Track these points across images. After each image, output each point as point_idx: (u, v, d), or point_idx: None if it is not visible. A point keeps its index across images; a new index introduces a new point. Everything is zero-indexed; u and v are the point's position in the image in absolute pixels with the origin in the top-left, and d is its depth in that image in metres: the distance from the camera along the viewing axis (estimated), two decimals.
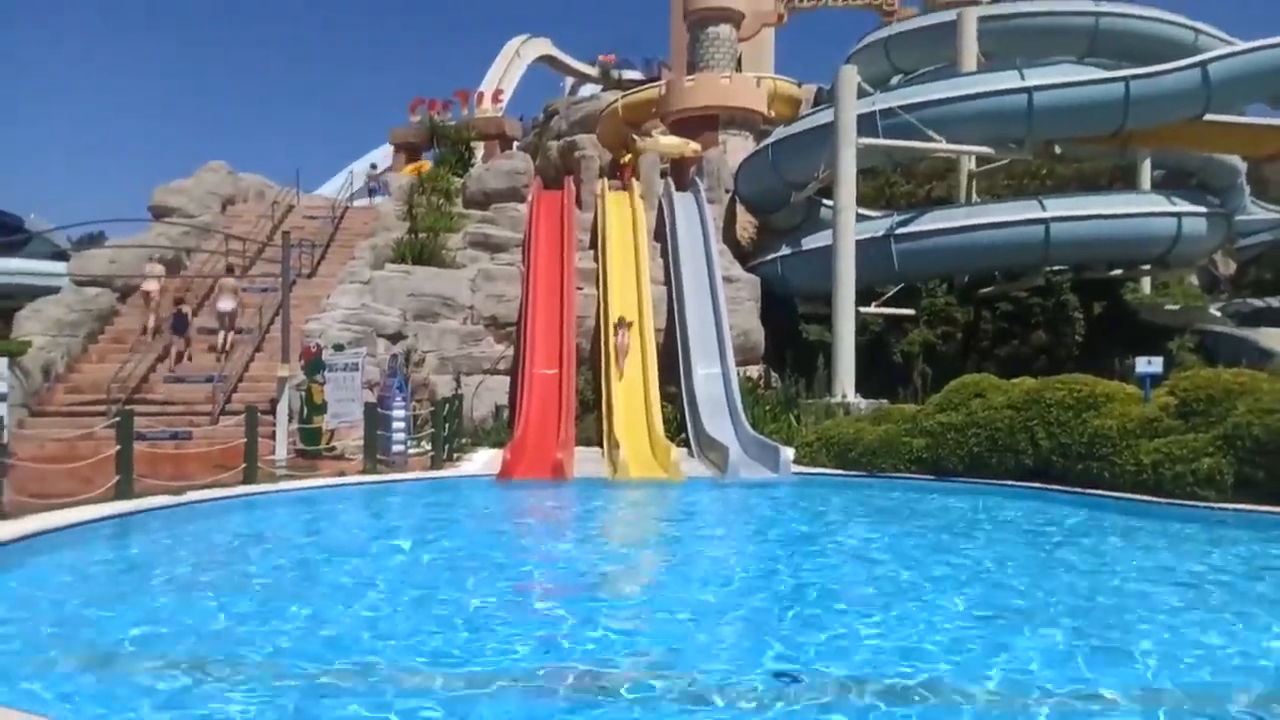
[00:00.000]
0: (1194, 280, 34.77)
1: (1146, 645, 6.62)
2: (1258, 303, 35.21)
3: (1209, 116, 24.78)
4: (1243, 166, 32.80)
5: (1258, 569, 9.46)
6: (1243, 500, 12.41)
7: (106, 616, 7.44)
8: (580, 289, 24.17)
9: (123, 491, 12.17)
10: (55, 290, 22.10)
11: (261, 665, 6.15)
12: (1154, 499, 12.94)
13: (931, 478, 15.74)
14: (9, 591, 8.25)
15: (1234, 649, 6.56)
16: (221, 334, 20.34)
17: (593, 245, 26.36)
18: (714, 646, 6.76)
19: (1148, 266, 28.61)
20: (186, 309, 20.28)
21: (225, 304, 20.49)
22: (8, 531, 9.69)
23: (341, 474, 15.81)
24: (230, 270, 22.02)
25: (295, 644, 6.69)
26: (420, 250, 24.92)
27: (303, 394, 17.23)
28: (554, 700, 5.52)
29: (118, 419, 13.02)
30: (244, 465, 14.29)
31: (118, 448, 12.43)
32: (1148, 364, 15.01)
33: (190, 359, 19.80)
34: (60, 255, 38.32)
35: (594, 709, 5.35)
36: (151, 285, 20.93)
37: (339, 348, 17.83)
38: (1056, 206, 25.43)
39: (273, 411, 16.78)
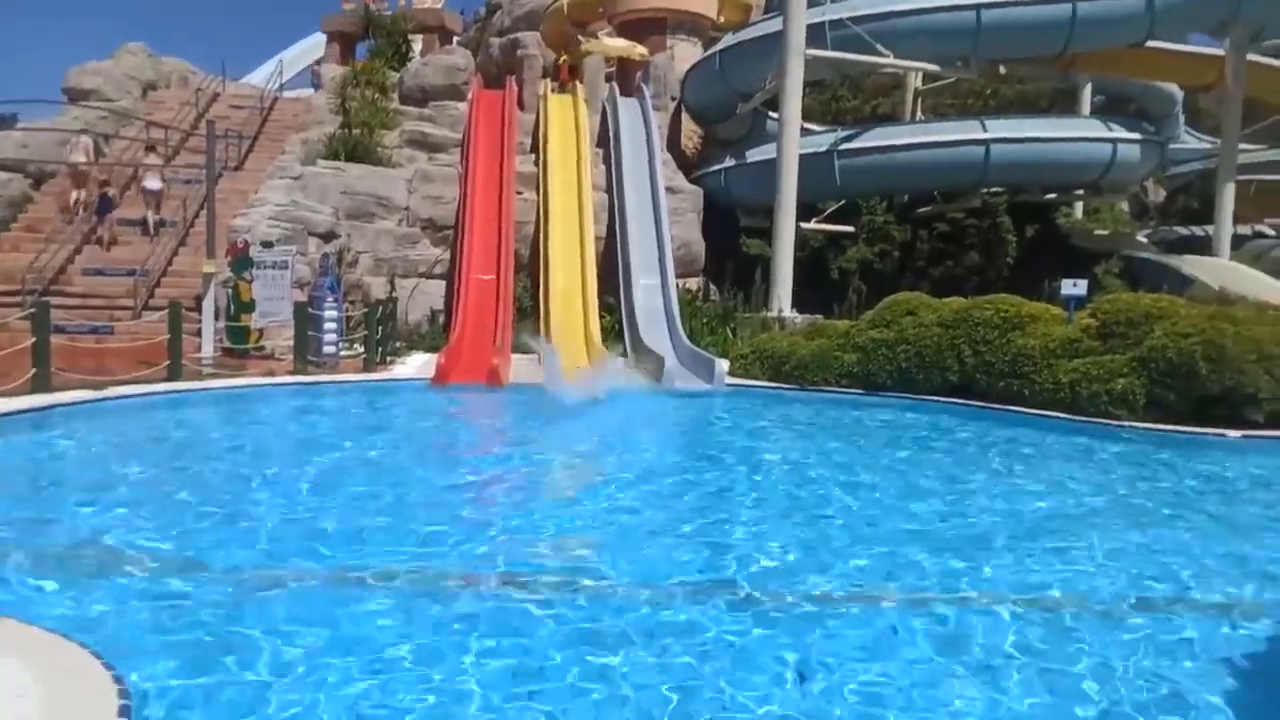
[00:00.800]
0: (1125, 207, 35.55)
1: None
2: (1183, 231, 36.17)
3: (1151, 43, 25.00)
4: (1180, 96, 33.27)
5: (1132, 480, 9.94)
6: (1152, 420, 12.98)
7: (20, 512, 7.28)
8: (520, 194, 23.71)
9: (40, 385, 11.80)
10: None
11: (178, 561, 6.11)
12: (1068, 416, 13.46)
13: (860, 392, 16.09)
14: None
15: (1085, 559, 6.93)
16: (149, 214, 19.70)
17: (534, 149, 25.79)
18: (623, 549, 6.89)
19: (1081, 191, 29.14)
20: (112, 191, 19.59)
21: (151, 183, 19.81)
22: None
23: (270, 374, 15.54)
24: (152, 148, 21.18)
25: (215, 541, 6.65)
26: (354, 147, 24.08)
27: (230, 291, 16.74)
28: (460, 599, 5.62)
29: (33, 310, 12.53)
30: (168, 362, 13.94)
31: (33, 340, 12.00)
32: (1073, 286, 15.41)
33: (115, 242, 19.12)
34: None
35: (506, 610, 5.46)
36: (79, 156, 20.12)
37: (268, 245, 17.30)
38: (997, 128, 25.59)
39: (198, 308, 16.31)
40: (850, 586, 6.06)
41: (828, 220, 27.86)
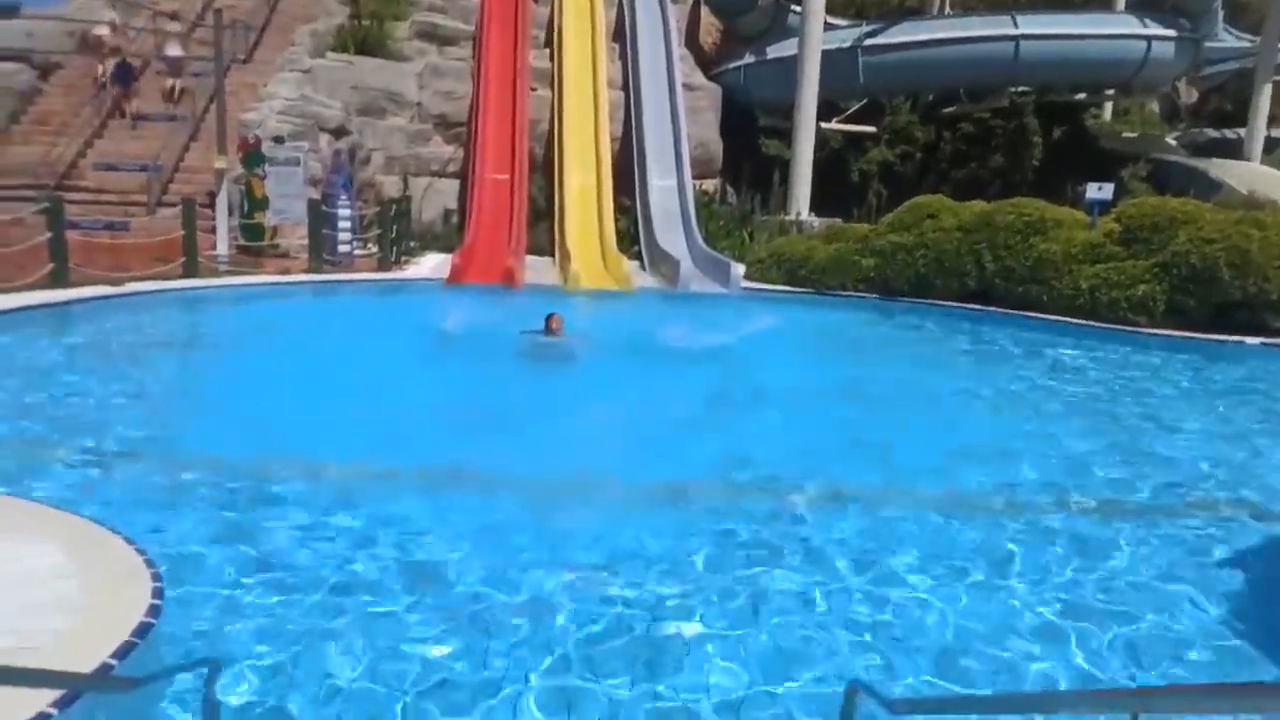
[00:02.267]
0: (1155, 108, 34.50)
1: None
2: (1214, 133, 35.14)
3: None
4: None
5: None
6: (1169, 327, 12.88)
7: (46, 402, 7.41)
8: (534, 89, 23.16)
9: (57, 280, 11.84)
10: None
11: (196, 454, 6.24)
12: (1086, 322, 13.37)
13: (877, 297, 16.00)
14: None
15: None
16: (170, 81, 19.80)
17: (548, 43, 25.06)
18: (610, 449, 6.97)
19: (1111, 92, 28.24)
20: (134, 62, 19.63)
21: (173, 49, 19.87)
22: None
23: (286, 271, 15.54)
24: (174, 16, 21.37)
25: (237, 432, 6.77)
26: (364, 39, 23.42)
27: (242, 188, 16.58)
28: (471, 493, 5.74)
29: (47, 205, 12.48)
30: (184, 259, 13.94)
31: (49, 235, 11.99)
32: (1098, 190, 15.10)
33: (139, 115, 19.23)
34: None
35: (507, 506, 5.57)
36: (104, 30, 20.14)
37: (279, 140, 17.04)
38: (1028, 24, 24.65)
39: (211, 205, 16.19)
40: None
41: (849, 120, 27.20)
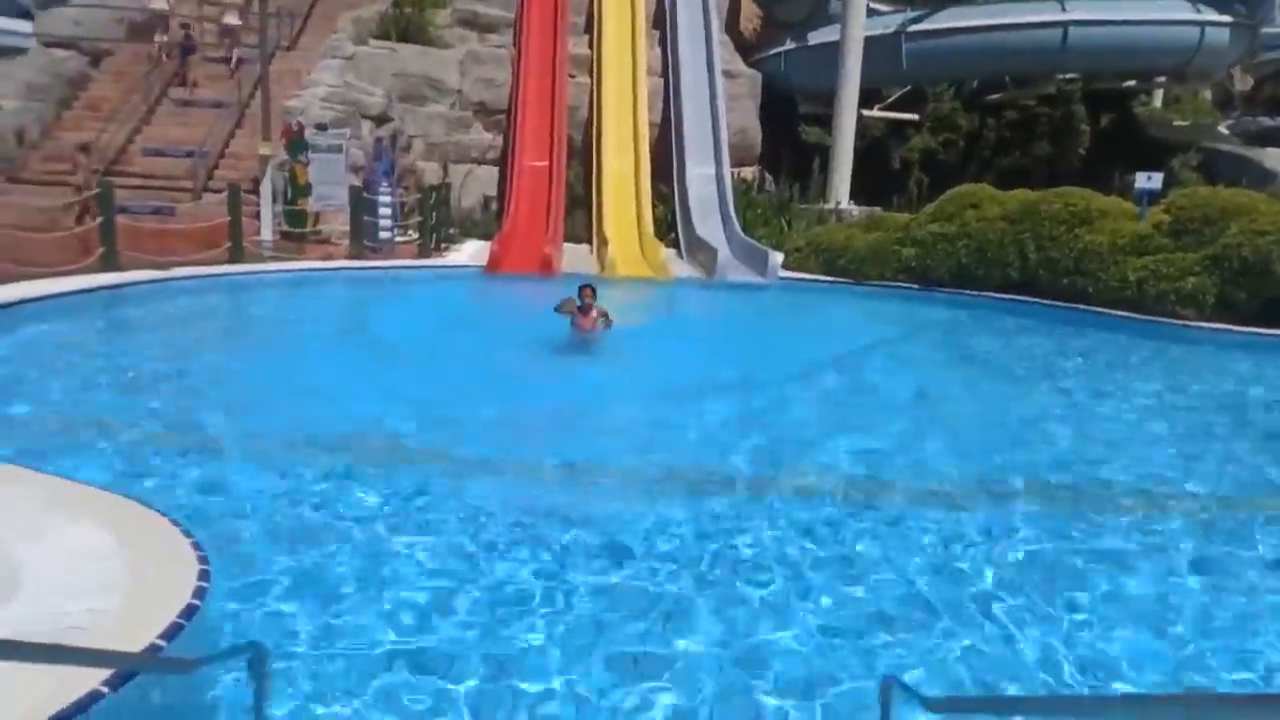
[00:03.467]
0: (1207, 96, 33.61)
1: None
2: (1268, 121, 34.18)
3: None
4: None
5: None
6: (1219, 320, 12.59)
7: (98, 384, 7.58)
8: (573, 76, 23.16)
9: (108, 264, 12.09)
10: (22, 51, 20.96)
11: (251, 436, 6.34)
12: (1132, 315, 13.10)
13: (916, 288, 15.81)
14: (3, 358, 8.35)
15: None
16: (226, 50, 20.38)
17: (587, 30, 25.02)
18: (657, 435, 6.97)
19: (1163, 79, 27.56)
20: (194, 34, 20.21)
21: (230, 18, 20.46)
22: None
23: (328, 258, 15.73)
24: None
25: (288, 416, 6.88)
26: (406, 26, 23.57)
27: (286, 174, 16.79)
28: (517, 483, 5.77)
29: (98, 190, 12.73)
30: (229, 245, 14.15)
31: (100, 219, 12.23)
32: (1147, 180, 14.74)
33: (198, 84, 19.82)
34: (25, 14, 36.02)
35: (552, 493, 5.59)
36: (160, 3, 20.88)
37: (322, 127, 17.22)
38: (1077, 9, 24.13)
39: (256, 191, 16.42)
40: None
41: (891, 107, 26.85)
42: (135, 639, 2.83)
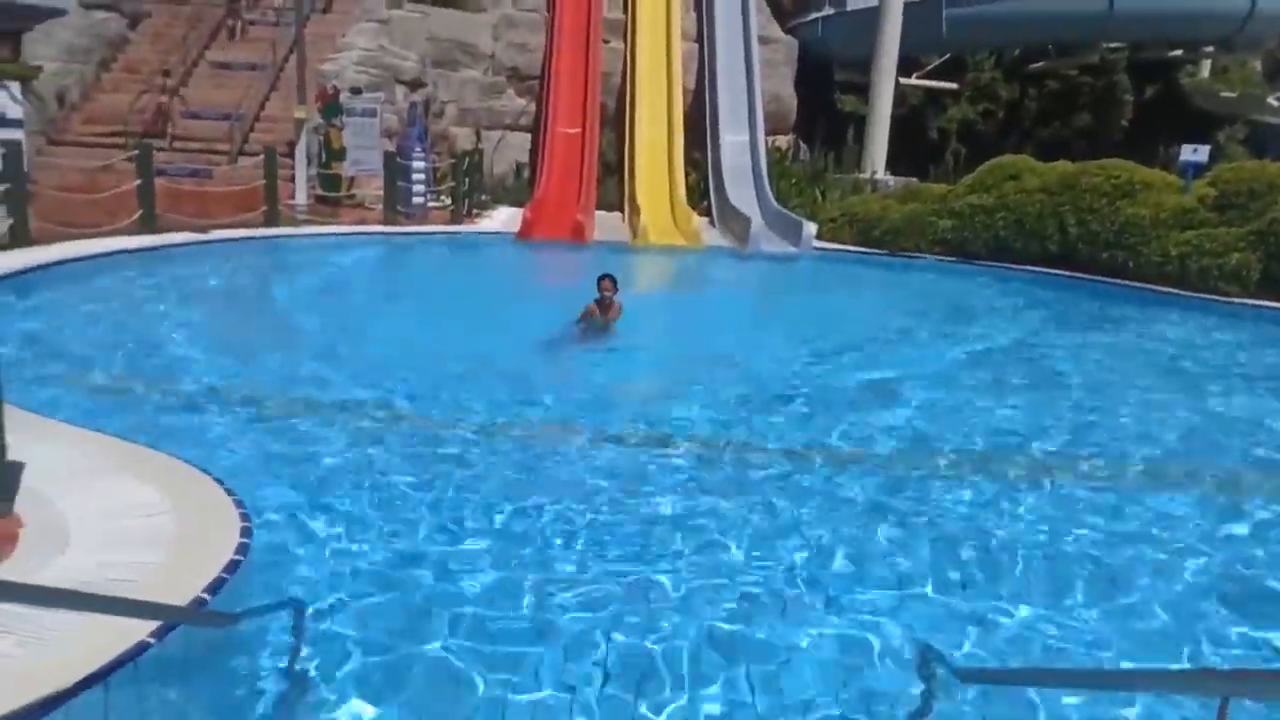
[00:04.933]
0: (1257, 66, 32.67)
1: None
2: None
3: None
4: None
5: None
6: (1265, 297, 12.33)
7: (143, 345, 7.71)
8: (607, 41, 22.95)
9: (147, 225, 12.24)
10: (62, 12, 21.11)
11: (278, 396, 6.44)
12: (1173, 290, 12.88)
13: (953, 260, 15.62)
14: (44, 318, 8.50)
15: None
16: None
17: None
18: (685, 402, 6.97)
19: (1210, 48, 26.80)
20: None
21: None
22: (40, 256, 9.86)
23: (362, 222, 15.81)
24: None
25: (307, 376, 6.97)
26: None
27: (320, 138, 16.86)
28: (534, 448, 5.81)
29: (136, 152, 12.86)
30: (265, 208, 14.27)
31: (139, 181, 12.37)
32: (1193, 152, 14.41)
33: (245, 34, 20.32)
34: None
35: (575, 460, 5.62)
36: None
37: (356, 91, 17.24)
38: None
39: (291, 154, 16.51)
40: None
41: (929, 76, 26.38)
42: (182, 592, 2.90)
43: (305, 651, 3.25)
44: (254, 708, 3.06)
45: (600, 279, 8.49)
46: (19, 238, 10.44)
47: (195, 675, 2.89)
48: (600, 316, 8.46)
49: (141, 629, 2.58)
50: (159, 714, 2.69)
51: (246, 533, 3.41)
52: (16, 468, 3.69)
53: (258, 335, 8.48)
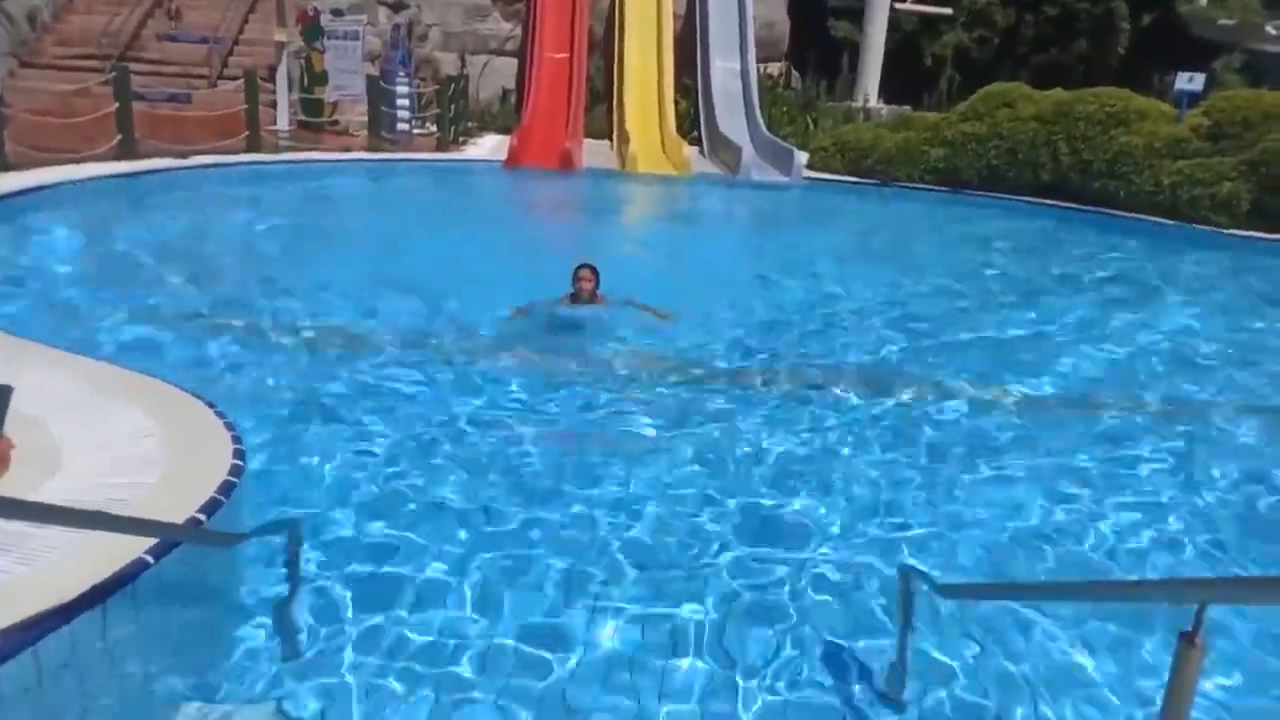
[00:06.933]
0: None
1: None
2: None
3: None
4: None
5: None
6: (1254, 228, 12.35)
7: (125, 270, 7.63)
8: None
9: (125, 152, 11.99)
10: None
11: (254, 319, 6.44)
12: (1162, 220, 12.87)
13: (945, 190, 15.52)
14: (27, 243, 8.38)
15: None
16: None
17: None
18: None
19: None
20: None
21: None
22: (15, 182, 9.67)
23: (346, 149, 15.53)
24: None
25: (291, 302, 6.94)
26: None
27: (302, 62, 16.46)
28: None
29: (113, 74, 12.54)
30: (246, 134, 13.99)
31: (116, 105, 12.08)
32: (1188, 81, 14.28)
33: None
34: None
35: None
36: None
37: (338, 13, 16.79)
38: None
39: (272, 79, 16.13)
40: None
41: (924, 1, 25.78)
42: (177, 513, 2.92)
43: (304, 571, 3.30)
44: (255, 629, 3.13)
45: (578, 268, 6.80)
46: None
47: (192, 597, 2.92)
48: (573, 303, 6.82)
49: (138, 547, 2.60)
50: (156, 634, 2.73)
51: (239, 455, 3.42)
52: (5, 391, 3.67)
53: (242, 263, 8.40)
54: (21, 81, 16.05)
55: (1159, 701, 1.76)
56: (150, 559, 2.60)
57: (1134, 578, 3.68)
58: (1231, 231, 12.32)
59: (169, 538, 2.66)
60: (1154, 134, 13.52)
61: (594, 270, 6.79)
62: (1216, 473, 4.78)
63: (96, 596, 2.41)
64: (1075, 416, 5.60)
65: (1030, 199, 14.58)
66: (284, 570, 3.23)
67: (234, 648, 3.06)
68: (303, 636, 3.12)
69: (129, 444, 3.50)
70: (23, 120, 11.61)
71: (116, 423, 3.68)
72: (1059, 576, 3.74)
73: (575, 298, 6.73)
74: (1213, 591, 1.80)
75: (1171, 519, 4.25)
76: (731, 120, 19.63)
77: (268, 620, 3.17)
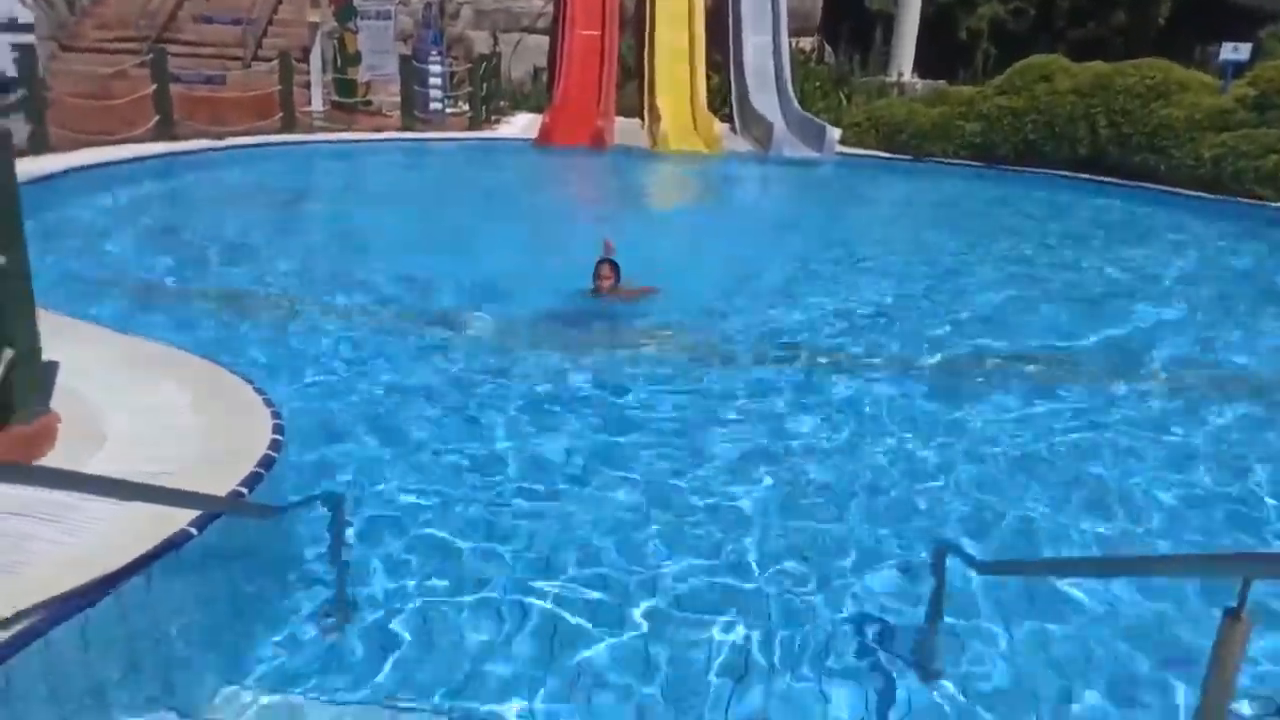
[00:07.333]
0: None
1: None
2: None
3: None
4: None
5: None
6: None
7: (168, 249, 7.75)
8: None
9: (162, 133, 12.15)
10: None
11: (292, 298, 6.52)
12: (1203, 194, 12.59)
13: (980, 165, 15.28)
14: (71, 224, 8.53)
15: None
16: None
17: None
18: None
19: None
20: None
21: None
22: (58, 163, 9.83)
23: (379, 129, 15.62)
24: None
25: (333, 281, 7.02)
26: None
27: (335, 42, 16.54)
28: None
29: (150, 56, 12.68)
30: (281, 115, 14.11)
31: (154, 87, 12.22)
32: (1233, 51, 13.89)
33: None
34: None
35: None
36: None
37: None
38: None
39: (306, 59, 16.23)
40: None
41: None
42: (219, 486, 2.98)
43: (348, 543, 3.37)
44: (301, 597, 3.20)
45: (599, 263, 6.85)
46: (38, 144, 10.39)
47: (234, 568, 2.99)
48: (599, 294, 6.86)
49: (182, 518, 2.66)
50: (199, 604, 2.79)
51: (278, 429, 3.48)
52: (52, 367, 3.76)
53: (290, 240, 8.51)
54: (62, 65, 16.28)
55: (1199, 681, 1.73)
56: (194, 530, 2.67)
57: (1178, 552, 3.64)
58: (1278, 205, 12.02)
59: (218, 510, 2.72)
60: (1195, 106, 13.20)
61: (614, 265, 6.84)
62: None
63: (145, 562, 2.47)
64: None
65: (1067, 173, 14.31)
66: (327, 542, 3.29)
67: (279, 620, 3.12)
68: (347, 608, 3.18)
69: (171, 419, 3.58)
70: (63, 103, 11.80)
71: (159, 398, 3.75)
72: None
73: (596, 290, 6.81)
74: (1259, 566, 1.76)
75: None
76: (763, 96, 19.44)
77: (312, 592, 3.23)
